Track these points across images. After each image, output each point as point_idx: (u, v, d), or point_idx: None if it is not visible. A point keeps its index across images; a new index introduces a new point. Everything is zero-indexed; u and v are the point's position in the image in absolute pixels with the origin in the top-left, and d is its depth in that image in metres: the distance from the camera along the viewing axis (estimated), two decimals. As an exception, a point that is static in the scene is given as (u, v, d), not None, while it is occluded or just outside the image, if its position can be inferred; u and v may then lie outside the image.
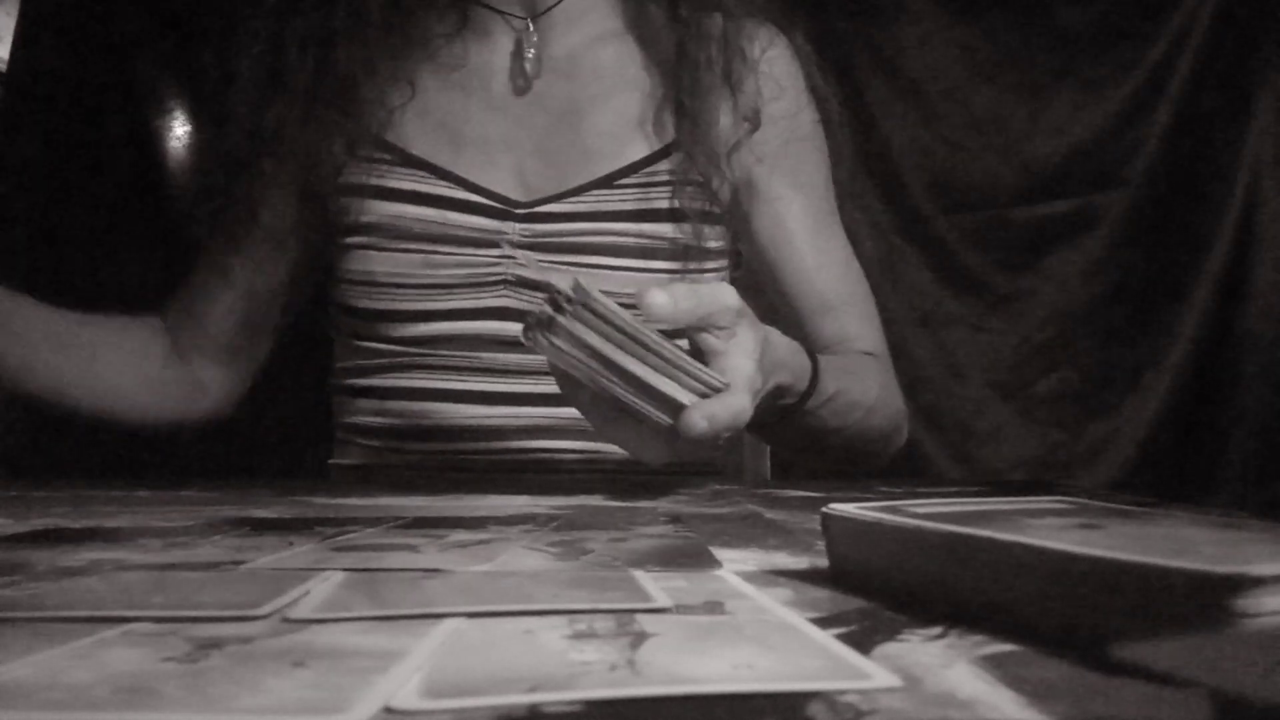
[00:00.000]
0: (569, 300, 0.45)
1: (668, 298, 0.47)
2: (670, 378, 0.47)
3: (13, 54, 1.21)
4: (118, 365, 0.77)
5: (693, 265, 0.76)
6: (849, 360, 0.74)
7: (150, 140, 1.22)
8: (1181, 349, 1.43)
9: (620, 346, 0.46)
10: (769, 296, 0.81)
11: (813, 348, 0.77)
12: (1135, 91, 1.45)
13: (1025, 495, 0.33)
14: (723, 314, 0.49)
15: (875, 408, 0.72)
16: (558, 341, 0.45)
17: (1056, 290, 1.48)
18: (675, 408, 0.47)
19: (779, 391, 0.58)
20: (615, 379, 0.46)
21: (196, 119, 1.22)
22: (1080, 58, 1.47)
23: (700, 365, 0.48)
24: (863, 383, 0.71)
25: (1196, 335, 1.42)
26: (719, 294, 0.50)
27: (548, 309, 0.45)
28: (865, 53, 1.51)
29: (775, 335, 0.57)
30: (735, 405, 0.48)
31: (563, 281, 0.46)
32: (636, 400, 0.47)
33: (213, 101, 0.82)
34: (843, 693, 0.18)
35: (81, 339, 0.74)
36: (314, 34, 0.75)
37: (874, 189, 1.51)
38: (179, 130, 1.23)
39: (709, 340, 0.50)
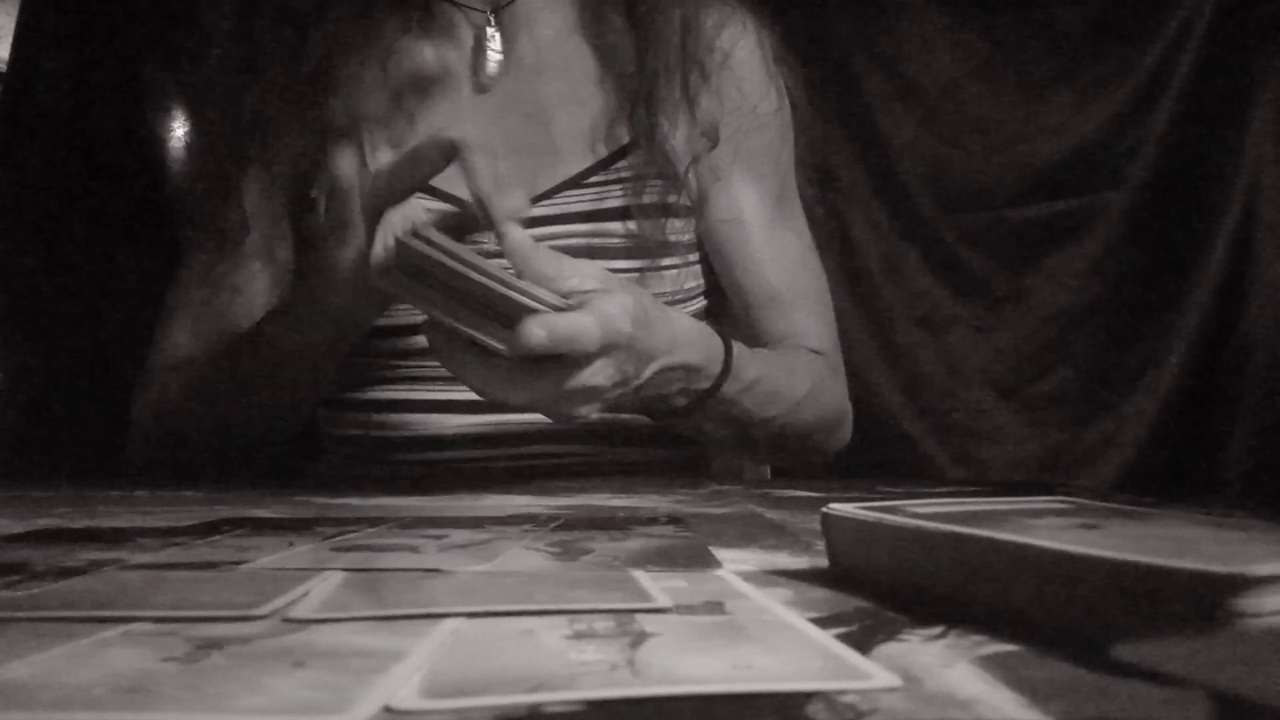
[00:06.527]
0: (410, 234, 0.46)
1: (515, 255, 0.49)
2: (505, 300, 0.46)
3: (13, 54, 1.21)
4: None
5: (670, 260, 0.76)
6: (779, 352, 0.74)
7: (150, 140, 1.22)
8: (1181, 349, 1.42)
9: (457, 274, 0.46)
10: (722, 287, 0.80)
11: (759, 341, 0.76)
12: (1135, 91, 1.45)
13: (1025, 495, 0.33)
14: (583, 279, 0.49)
15: (804, 402, 0.71)
16: (401, 275, 0.47)
17: (1056, 290, 1.48)
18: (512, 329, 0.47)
19: (689, 372, 0.58)
20: (456, 307, 0.47)
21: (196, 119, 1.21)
22: (1080, 58, 1.47)
23: (542, 289, 0.48)
24: (790, 374, 0.70)
25: (1196, 335, 1.42)
26: (578, 265, 0.50)
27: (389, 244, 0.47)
28: (865, 53, 1.51)
29: (678, 314, 0.57)
30: (579, 322, 0.47)
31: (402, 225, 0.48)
32: (472, 329, 0.47)
33: (194, 92, 0.80)
34: (843, 693, 0.18)
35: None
36: (286, 14, 0.73)
37: (874, 189, 1.51)
38: (179, 130, 1.22)
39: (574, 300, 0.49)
